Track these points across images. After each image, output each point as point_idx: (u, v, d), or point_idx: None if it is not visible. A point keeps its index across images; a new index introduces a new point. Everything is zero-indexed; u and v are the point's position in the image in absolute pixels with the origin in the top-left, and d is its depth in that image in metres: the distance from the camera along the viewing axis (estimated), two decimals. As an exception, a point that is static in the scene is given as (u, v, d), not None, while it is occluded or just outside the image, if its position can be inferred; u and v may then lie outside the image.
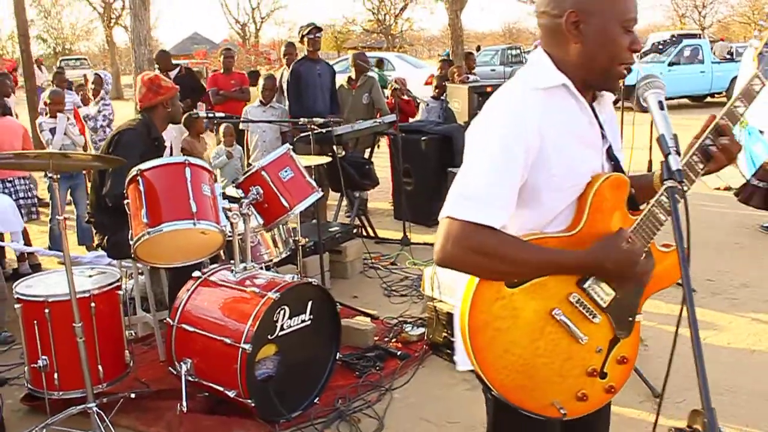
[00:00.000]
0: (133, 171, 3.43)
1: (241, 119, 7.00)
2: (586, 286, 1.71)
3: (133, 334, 4.39)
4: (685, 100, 18.00)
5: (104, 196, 4.10)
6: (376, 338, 4.42)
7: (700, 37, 25.26)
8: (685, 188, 1.71)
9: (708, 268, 5.69)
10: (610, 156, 1.78)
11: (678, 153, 1.54)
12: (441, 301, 4.19)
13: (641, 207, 1.76)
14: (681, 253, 1.49)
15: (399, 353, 4.21)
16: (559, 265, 1.67)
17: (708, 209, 7.71)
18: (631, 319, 1.80)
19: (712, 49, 19.05)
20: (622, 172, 1.78)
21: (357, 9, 38.08)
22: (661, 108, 1.62)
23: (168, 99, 4.36)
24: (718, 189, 8.60)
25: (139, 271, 4.51)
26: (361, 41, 40.89)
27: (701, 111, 15.22)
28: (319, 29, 6.99)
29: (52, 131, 6.54)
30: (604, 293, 1.74)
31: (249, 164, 6.89)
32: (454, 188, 1.65)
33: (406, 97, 7.60)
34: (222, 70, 8.73)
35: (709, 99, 18.14)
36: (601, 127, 1.76)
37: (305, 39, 6.99)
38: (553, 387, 1.74)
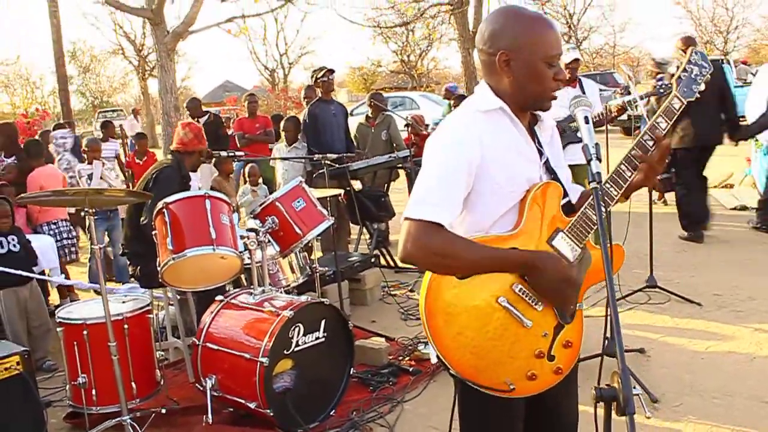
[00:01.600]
0: (159, 204, 3.82)
1: (270, 158, 7.40)
2: (527, 277, 1.99)
3: (165, 358, 4.73)
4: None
5: (143, 227, 4.50)
6: (390, 357, 4.69)
7: (722, 63, 25.31)
8: (613, 192, 2.02)
9: (716, 283, 5.86)
10: (548, 169, 2.09)
11: (599, 159, 1.84)
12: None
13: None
14: (604, 250, 1.69)
15: (411, 369, 4.47)
16: (502, 262, 1.94)
17: (724, 228, 7.84)
18: (572, 307, 2.06)
19: (734, 73, 19.06)
20: (559, 182, 2.08)
21: (382, 51, 38.73)
22: (587, 122, 1.92)
23: (204, 150, 4.93)
24: (734, 209, 8.73)
25: (170, 302, 4.87)
26: (387, 82, 41.72)
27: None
28: (332, 71, 7.34)
29: (90, 177, 7.02)
30: (538, 293, 2.00)
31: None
32: (411, 195, 1.97)
33: (423, 133, 7.96)
34: (247, 115, 9.21)
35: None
36: (538, 144, 2.08)
37: (318, 82, 7.34)
38: (503, 367, 1.99)
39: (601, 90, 8.61)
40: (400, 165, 7.53)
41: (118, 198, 4.48)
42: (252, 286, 4.07)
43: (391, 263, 7.17)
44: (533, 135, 2.09)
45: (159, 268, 3.74)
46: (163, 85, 5.41)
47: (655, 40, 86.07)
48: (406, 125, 7.27)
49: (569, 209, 2.08)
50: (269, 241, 4.15)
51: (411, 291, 6.36)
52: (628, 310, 5.35)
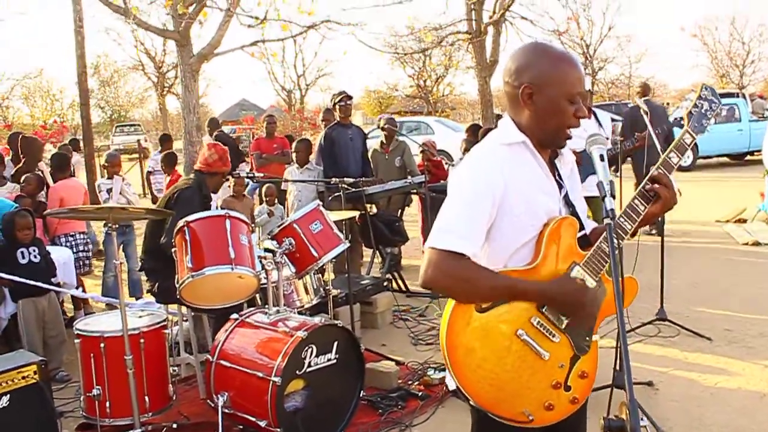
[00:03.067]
0: (180, 222, 3.90)
1: (283, 179, 7.50)
2: (545, 310, 2.05)
3: (177, 373, 4.79)
4: (725, 159, 18.10)
5: (163, 245, 4.58)
6: (399, 381, 4.72)
7: (737, 96, 25.36)
8: (627, 226, 2.08)
9: (727, 318, 5.87)
10: (567, 202, 2.16)
11: (613, 196, 1.91)
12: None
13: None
14: (616, 285, 1.76)
15: (420, 394, 4.51)
16: (519, 291, 2.01)
17: (736, 263, 7.86)
18: (588, 338, 2.12)
19: (749, 107, 19.12)
20: (577, 216, 2.14)
21: (399, 75, 39.02)
22: (602, 159, 1.99)
23: (227, 171, 5.02)
24: (747, 244, 8.73)
25: (184, 318, 4.94)
26: (403, 106, 41.97)
27: (740, 169, 15.25)
28: (350, 97, 7.43)
29: (109, 191, 7.13)
30: (561, 317, 2.07)
31: (288, 221, 7.35)
32: (435, 224, 2.04)
33: (435, 159, 8.04)
34: (265, 135, 9.34)
35: (748, 157, 18.14)
36: (559, 177, 2.15)
37: (337, 106, 7.43)
38: (522, 398, 2.04)
39: (614, 120, 8.69)
40: (415, 191, 7.60)
41: (139, 214, 4.57)
42: (267, 306, 4.13)
43: (403, 287, 7.21)
44: (553, 168, 2.16)
45: (177, 285, 3.82)
46: (186, 104, 5.53)
47: (671, 70, 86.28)
48: (421, 151, 7.35)
49: (585, 242, 2.14)
50: (285, 263, 4.22)
51: (421, 316, 6.41)
52: (637, 342, 5.37)
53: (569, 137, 2.12)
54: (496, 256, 2.08)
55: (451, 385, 2.07)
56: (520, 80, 2.05)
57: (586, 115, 2.12)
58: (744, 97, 24.82)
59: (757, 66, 44.87)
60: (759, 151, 18.02)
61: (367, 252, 7.78)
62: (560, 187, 2.16)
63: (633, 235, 2.15)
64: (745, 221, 10.02)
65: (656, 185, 2.09)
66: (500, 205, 2.02)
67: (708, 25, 45.28)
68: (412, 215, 8.97)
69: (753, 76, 45.45)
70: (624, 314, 1.78)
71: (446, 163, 8.42)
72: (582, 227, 2.15)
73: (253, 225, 7.03)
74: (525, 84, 2.04)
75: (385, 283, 6.52)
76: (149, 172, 9.86)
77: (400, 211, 7.97)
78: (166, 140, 10.80)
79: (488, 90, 10.18)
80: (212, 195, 5.14)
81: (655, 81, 46.24)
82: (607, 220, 1.86)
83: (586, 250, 2.11)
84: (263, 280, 4.11)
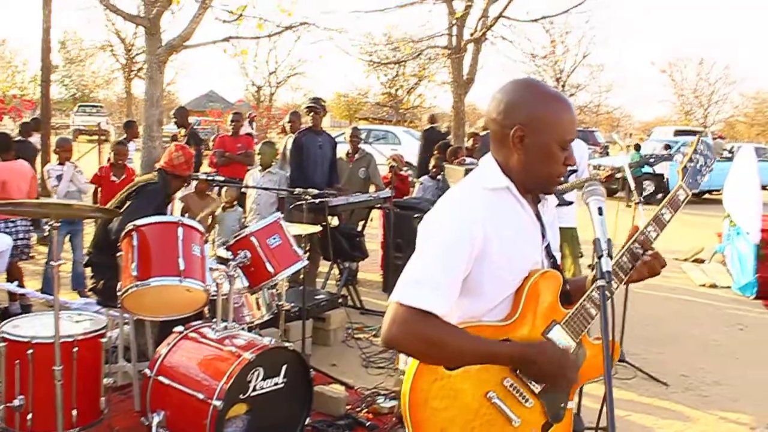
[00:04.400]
0: (129, 226, 3.63)
1: (244, 183, 7.23)
2: (519, 372, 1.86)
3: (113, 382, 4.48)
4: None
5: (110, 229, 4.29)
6: (348, 407, 4.51)
7: (702, 135, 25.84)
8: (614, 286, 1.92)
9: (684, 364, 5.81)
10: (549, 254, 1.97)
11: (610, 256, 1.73)
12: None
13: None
14: (606, 350, 1.63)
15: (368, 424, 4.30)
16: (493, 356, 1.82)
17: (692, 304, 7.86)
18: (562, 405, 1.94)
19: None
20: (559, 269, 1.96)
21: (371, 81, 38.84)
22: (600, 213, 1.81)
23: (189, 176, 4.82)
24: (704, 286, 8.76)
25: (125, 321, 4.64)
26: (372, 112, 41.82)
27: (699, 207, 15.51)
28: (323, 107, 7.26)
29: (59, 178, 6.75)
30: (536, 381, 1.88)
31: (245, 225, 7.09)
32: (403, 275, 1.82)
33: (402, 174, 7.88)
34: (230, 133, 9.04)
35: (707, 195, 18.44)
36: (542, 226, 1.96)
37: (309, 112, 7.22)
38: None
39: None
40: (380, 205, 7.41)
41: (84, 212, 4.25)
42: (215, 320, 3.88)
43: (358, 303, 7.00)
44: (538, 215, 1.98)
45: (119, 293, 3.54)
46: (150, 96, 5.22)
47: (639, 103, 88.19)
48: (390, 166, 7.18)
49: (565, 298, 1.96)
50: (238, 275, 3.97)
51: (375, 336, 6.20)
52: (593, 383, 5.23)
53: (559, 184, 1.95)
54: (471, 312, 1.88)
55: None
56: (512, 120, 1.86)
57: (575, 163, 1.95)
58: (707, 135, 25.38)
59: (721, 107, 46.01)
60: (718, 190, 18.42)
61: (323, 262, 7.55)
62: (543, 236, 1.97)
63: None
64: (702, 261, 10.07)
65: (644, 256, 1.93)
66: (478, 257, 1.82)
67: (677, 63, 46.35)
68: (372, 226, 8.78)
69: (716, 116, 46.59)
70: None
71: (413, 180, 8.28)
72: (565, 282, 1.96)
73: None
74: (517, 125, 1.85)
75: (340, 300, 6.30)
76: (109, 159, 9.47)
77: (362, 224, 7.76)
78: (130, 127, 10.43)
79: (462, 107, 10.05)
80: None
81: (621, 112, 47.12)
82: (600, 282, 1.69)
83: (566, 306, 1.93)
84: (213, 291, 3.84)
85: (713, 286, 8.73)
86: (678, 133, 26.00)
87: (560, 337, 1.90)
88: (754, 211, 8.20)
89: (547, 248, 1.97)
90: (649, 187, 17.78)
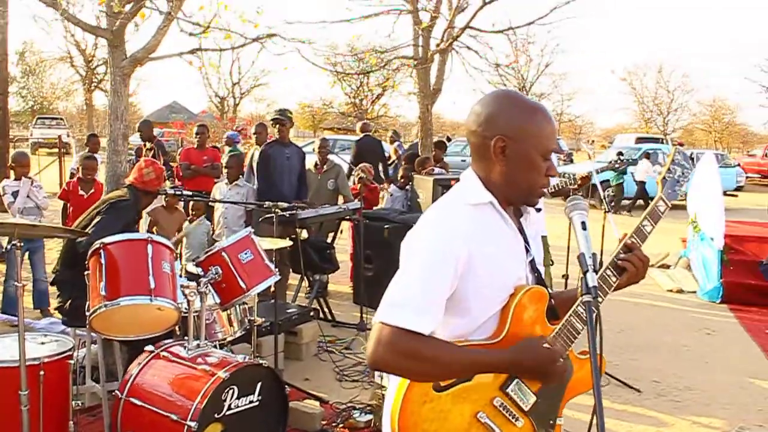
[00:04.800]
0: (96, 244, 3.52)
1: (211, 196, 7.13)
2: (509, 390, 1.84)
3: (80, 404, 4.36)
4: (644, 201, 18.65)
5: (78, 246, 4.17)
6: (323, 422, 4.45)
7: (662, 142, 26.36)
8: (600, 300, 1.90)
9: (656, 370, 5.86)
10: (533, 268, 1.95)
11: (595, 271, 1.72)
12: (389, 389, 4.25)
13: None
14: (593, 363, 1.61)
15: (345, 439, 4.25)
16: (483, 364, 1.79)
17: (661, 310, 7.95)
18: (552, 422, 1.92)
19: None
20: (544, 284, 1.94)
21: (335, 92, 38.78)
22: (584, 228, 1.80)
23: (159, 192, 4.75)
24: (671, 291, 8.87)
25: (93, 340, 4.52)
26: (336, 123, 41.73)
27: (639, 212, 15.77)
28: (290, 118, 7.18)
29: (15, 194, 6.54)
30: (525, 397, 1.86)
31: (213, 238, 6.99)
32: (387, 294, 1.78)
33: (372, 185, 7.85)
34: (196, 146, 8.92)
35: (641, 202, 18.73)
36: (526, 241, 1.94)
37: (276, 125, 7.11)
38: None
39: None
40: (349, 217, 7.36)
41: (49, 232, 4.13)
42: (186, 338, 3.79)
43: (329, 316, 6.94)
44: (521, 229, 1.95)
45: (87, 313, 3.44)
46: (114, 110, 5.09)
47: (600, 111, 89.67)
48: (359, 178, 7.14)
49: (551, 314, 1.94)
50: (209, 292, 3.89)
51: (347, 349, 6.14)
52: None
53: (542, 194, 1.93)
54: (459, 330, 1.85)
55: None
56: (493, 131, 1.84)
57: (557, 174, 1.93)
58: (667, 143, 25.88)
59: (680, 115, 46.95)
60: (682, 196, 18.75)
61: (293, 275, 7.46)
62: (527, 251, 1.95)
63: None
64: (668, 267, 10.21)
65: (627, 261, 1.91)
66: (463, 274, 1.79)
67: (637, 71, 47.23)
68: (341, 238, 8.72)
69: (676, 124, 47.54)
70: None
71: (383, 190, 8.25)
72: (550, 297, 1.94)
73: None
74: (498, 135, 1.83)
75: (312, 313, 6.24)
76: (72, 174, 9.25)
77: (332, 236, 7.71)
78: (92, 140, 10.20)
79: (429, 118, 10.06)
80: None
81: (583, 119, 47.86)
82: (586, 297, 1.67)
83: (553, 322, 1.91)
84: (184, 311, 3.76)
85: (680, 291, 8.85)
86: (639, 140, 26.41)
87: None
88: (718, 217, 8.35)
89: (532, 263, 1.95)
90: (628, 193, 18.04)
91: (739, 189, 23.47)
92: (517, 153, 1.83)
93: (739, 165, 25.39)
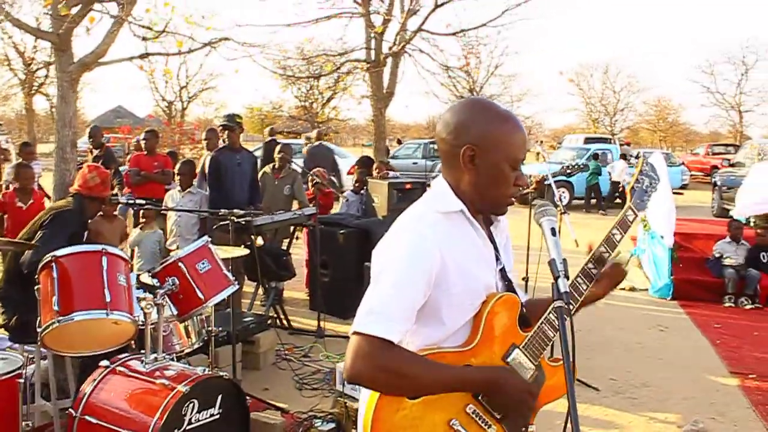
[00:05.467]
0: (47, 257, 3.39)
1: (164, 203, 6.96)
2: (481, 397, 1.82)
3: (30, 425, 4.19)
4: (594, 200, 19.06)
5: (22, 262, 4.02)
6: (284, 433, 4.39)
7: (610, 142, 26.92)
8: (571, 307, 1.91)
9: (612, 368, 5.96)
10: (504, 276, 1.94)
11: (567, 277, 1.71)
12: (352, 397, 4.22)
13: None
14: (567, 369, 1.61)
15: (307, 449, 4.19)
16: (463, 383, 1.78)
17: (614, 308, 8.07)
18: (524, 429, 1.91)
19: (620, 151, 20.57)
20: (515, 292, 1.94)
21: (285, 95, 38.43)
22: (554, 234, 1.79)
23: (107, 197, 4.61)
24: (623, 289, 9.02)
25: (42, 356, 4.36)
26: (286, 126, 41.39)
27: (614, 211, 16.16)
28: (240, 123, 7.05)
29: None
30: (496, 409, 1.85)
31: (166, 247, 6.84)
32: (362, 304, 1.76)
33: (326, 190, 7.80)
34: (145, 152, 8.70)
35: (618, 200, 19.17)
36: (496, 249, 1.93)
37: (224, 130, 6.99)
38: None
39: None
40: (305, 223, 7.29)
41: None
42: (143, 352, 3.68)
43: (286, 324, 6.85)
44: (491, 239, 1.94)
45: (39, 330, 3.30)
46: (61, 116, 4.91)
47: (549, 112, 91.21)
48: (313, 183, 7.08)
49: (523, 321, 1.94)
50: (166, 304, 3.79)
51: (306, 356, 6.07)
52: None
53: (511, 203, 1.92)
54: (431, 339, 1.83)
55: None
56: (462, 139, 1.83)
57: (526, 183, 1.94)
58: (615, 143, 26.46)
59: (626, 115, 48.01)
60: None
61: (248, 283, 7.36)
62: (497, 259, 1.94)
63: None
64: (619, 266, 10.37)
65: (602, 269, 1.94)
66: (435, 282, 1.77)
67: (584, 72, 48.14)
68: (296, 244, 8.64)
69: (622, 124, 48.61)
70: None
71: (338, 194, 8.21)
72: (522, 305, 1.94)
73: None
74: (467, 144, 1.82)
75: (269, 321, 6.15)
76: (8, 185, 8.87)
77: (287, 242, 7.62)
78: (25, 149, 9.82)
79: (383, 121, 10.05)
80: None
81: (532, 120, 48.50)
82: (558, 303, 1.67)
83: (524, 329, 1.91)
84: (141, 324, 3.65)
85: (632, 289, 9.02)
86: (588, 140, 26.93)
87: (520, 360, 1.87)
88: (668, 216, 8.54)
89: (502, 271, 1.94)
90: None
91: (684, 187, 24.16)
92: (486, 162, 1.83)
93: (683, 164, 26.10)
